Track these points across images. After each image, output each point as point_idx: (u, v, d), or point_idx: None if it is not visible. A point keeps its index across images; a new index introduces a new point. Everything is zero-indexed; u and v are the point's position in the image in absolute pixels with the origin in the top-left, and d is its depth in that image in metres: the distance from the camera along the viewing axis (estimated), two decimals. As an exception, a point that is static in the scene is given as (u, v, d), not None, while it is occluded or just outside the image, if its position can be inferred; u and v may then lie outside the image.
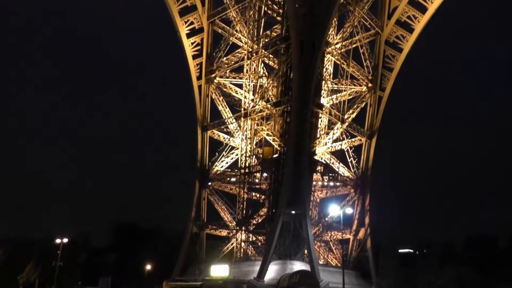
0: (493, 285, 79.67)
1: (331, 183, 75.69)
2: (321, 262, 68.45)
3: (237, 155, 74.75)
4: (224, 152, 75.95)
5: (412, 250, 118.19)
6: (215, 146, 77.28)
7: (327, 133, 73.57)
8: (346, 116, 73.72)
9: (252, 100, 72.20)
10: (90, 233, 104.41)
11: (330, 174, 74.99)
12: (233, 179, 75.71)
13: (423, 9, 76.65)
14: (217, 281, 63.43)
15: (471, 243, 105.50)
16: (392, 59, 79.22)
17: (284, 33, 70.60)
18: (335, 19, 73.64)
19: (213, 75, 76.74)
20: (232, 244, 72.88)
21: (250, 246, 71.36)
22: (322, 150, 74.09)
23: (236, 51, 76.18)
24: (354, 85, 76.86)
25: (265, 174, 72.20)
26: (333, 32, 74.81)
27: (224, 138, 76.84)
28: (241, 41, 76.04)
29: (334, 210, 70.28)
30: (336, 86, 74.38)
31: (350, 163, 76.13)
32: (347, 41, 74.77)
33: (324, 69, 73.69)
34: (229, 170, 76.51)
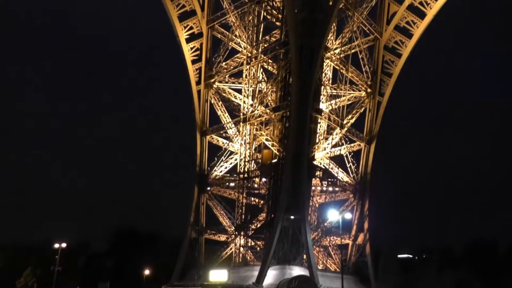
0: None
1: (330, 188, 75.61)
2: (320, 267, 68.30)
3: (236, 160, 74.75)
4: (223, 157, 75.99)
5: (411, 255, 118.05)
6: (214, 151, 77.36)
7: (326, 138, 73.55)
8: (345, 121, 73.72)
9: (251, 105, 72.26)
10: (89, 238, 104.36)
11: (329, 179, 74.94)
12: (232, 184, 75.71)
13: (422, 15, 76.85)
14: (216, 286, 63.39)
15: (470, 248, 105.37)
16: (391, 65, 79.32)
17: (283, 38, 70.82)
18: (334, 24, 73.77)
19: (212, 80, 76.87)
20: (231, 249, 72.81)
21: (249, 251, 71.24)
22: (321, 155, 74.08)
23: (235, 56, 76.33)
24: (353, 90, 76.93)
25: (264, 179, 72.09)
26: (332, 37, 74.95)
27: (223, 143, 76.87)
28: (240, 46, 76.18)
29: (333, 215, 70.18)
30: (335, 91, 74.41)
31: (349, 168, 76.05)
32: (346, 46, 74.88)
33: (323, 74, 73.73)
34: (228, 175, 76.50)
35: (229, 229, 74.50)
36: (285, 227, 63.16)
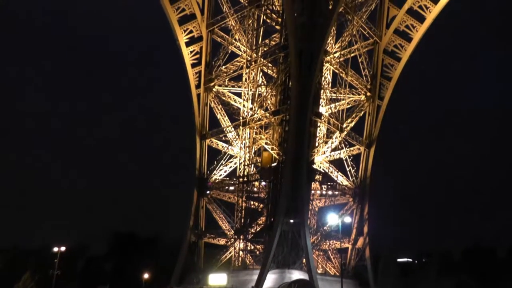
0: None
1: (330, 192, 75.55)
2: (319, 271, 68.20)
3: (235, 163, 74.70)
4: (222, 161, 75.97)
5: (411, 259, 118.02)
6: (213, 155, 77.37)
7: (326, 142, 73.50)
8: (344, 125, 73.74)
9: (251, 108, 72.26)
10: (88, 241, 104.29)
11: (329, 183, 74.84)
12: (231, 188, 75.66)
13: (421, 19, 76.99)
14: (215, 290, 63.28)
15: (470, 251, 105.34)
16: (390, 68, 79.42)
17: (283, 42, 70.82)
18: (333, 28, 73.82)
19: (212, 84, 76.97)
20: (230, 252, 72.68)
21: (248, 255, 71.07)
22: (321, 159, 74.04)
23: (235, 59, 76.40)
24: (353, 94, 76.97)
25: (263, 183, 72.04)
26: (331, 41, 75.00)
27: (222, 146, 76.89)
28: (240, 50, 76.25)
29: (333, 219, 70.12)
30: (335, 95, 74.45)
31: (348, 172, 76.07)
32: (345, 50, 74.99)
33: (323, 78, 73.77)
34: (228, 178, 76.46)
35: (228, 233, 74.42)
36: (284, 231, 63.06)
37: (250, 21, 73.62)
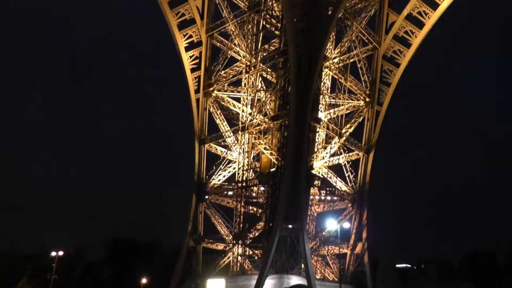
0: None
1: (329, 197, 75.42)
2: (318, 277, 68.06)
3: (234, 168, 74.62)
4: (221, 166, 75.88)
5: (409, 265, 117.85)
6: (212, 160, 77.27)
7: (325, 147, 73.51)
8: (343, 131, 73.73)
9: (250, 113, 72.26)
10: (86, 247, 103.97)
11: (328, 189, 74.77)
12: (230, 193, 75.50)
13: (420, 25, 77.17)
14: (213, 295, 63.06)
15: (469, 258, 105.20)
16: (389, 74, 79.49)
17: (282, 47, 70.85)
18: (333, 33, 74.00)
19: (211, 89, 76.97)
20: (228, 258, 72.46)
21: (247, 260, 70.87)
22: (320, 164, 74.00)
23: (234, 64, 76.46)
24: (352, 99, 77.01)
25: (262, 188, 71.93)
26: (331, 47, 75.16)
27: (221, 151, 76.79)
28: (239, 55, 76.33)
29: (332, 225, 70.00)
30: (334, 100, 74.54)
31: (347, 178, 75.99)
32: (344, 56, 75.16)
33: (322, 84, 73.87)
34: (226, 183, 76.36)
35: (227, 238, 74.23)
36: (283, 236, 62.89)
37: (250, 26, 73.74)
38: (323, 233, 71.75)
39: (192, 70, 77.88)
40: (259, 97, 73.11)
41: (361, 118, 77.93)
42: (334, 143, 73.02)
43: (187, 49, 77.60)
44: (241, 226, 71.60)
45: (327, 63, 72.77)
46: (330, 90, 76.05)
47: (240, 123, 73.33)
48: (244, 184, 72.03)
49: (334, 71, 73.92)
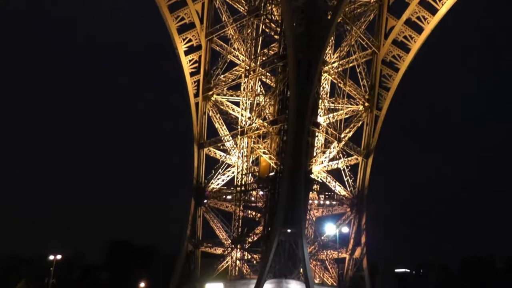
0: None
1: (327, 202, 75.33)
2: (316, 281, 67.94)
3: (233, 172, 74.55)
4: (220, 170, 75.78)
5: (408, 270, 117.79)
6: (211, 164, 77.22)
7: (324, 152, 73.50)
8: (342, 135, 73.73)
9: (249, 118, 72.27)
10: (84, 250, 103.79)
11: (326, 193, 74.73)
12: (229, 197, 75.47)
13: (419, 30, 77.37)
14: (212, 299, 62.94)
15: (468, 263, 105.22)
16: (388, 79, 79.59)
17: (281, 52, 70.94)
18: (332, 38, 74.14)
19: (210, 93, 76.96)
20: (227, 262, 72.34)
21: (245, 265, 70.81)
22: (319, 169, 73.98)
23: (234, 69, 76.50)
24: (351, 104, 77.07)
25: (261, 192, 71.89)
26: (330, 51, 75.26)
27: (220, 155, 76.75)
28: (238, 59, 76.38)
29: (330, 229, 70.00)
30: (333, 105, 74.55)
31: (346, 182, 75.94)
32: (344, 60, 75.28)
33: (321, 88, 73.94)
34: (225, 187, 76.29)
35: (225, 242, 74.10)
36: (282, 241, 62.80)
37: (249, 30, 73.83)
38: (322, 238, 71.69)
39: (191, 74, 77.84)
40: (258, 101, 73.16)
41: (360, 122, 77.97)
42: (333, 148, 73.05)
43: (187, 53, 77.63)
44: (239, 230, 71.53)
45: (326, 68, 72.87)
46: (329, 94, 76.17)
47: (239, 127, 73.32)
48: (243, 188, 71.99)
49: (333, 76, 74.01)
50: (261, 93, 74.34)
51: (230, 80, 76.27)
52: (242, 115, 73.67)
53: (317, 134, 72.08)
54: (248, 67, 73.00)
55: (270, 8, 73.68)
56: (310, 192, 70.94)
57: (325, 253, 72.98)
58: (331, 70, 73.76)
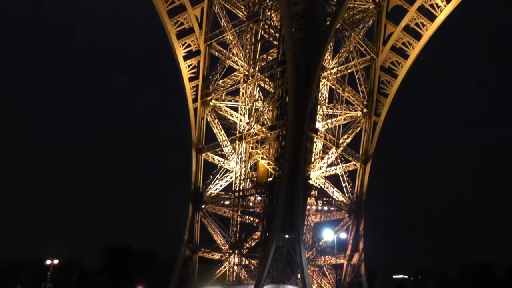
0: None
1: (325, 208, 75.30)
2: (314, 287, 67.80)
3: (231, 178, 74.54)
4: (218, 175, 75.83)
5: (406, 276, 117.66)
6: (209, 169, 77.22)
7: (322, 158, 73.48)
8: (341, 141, 73.76)
9: (248, 123, 72.28)
10: (82, 255, 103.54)
11: (325, 199, 74.70)
12: (227, 202, 75.45)
13: (418, 36, 77.62)
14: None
15: (466, 270, 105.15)
16: (387, 85, 79.76)
17: (280, 57, 71.00)
18: (331, 44, 74.29)
19: (209, 98, 77.07)
20: (224, 267, 72.23)
21: (243, 270, 70.62)
22: (317, 175, 73.97)
23: (232, 74, 76.56)
24: (349, 110, 77.18)
25: (259, 198, 71.84)
26: (328, 57, 75.37)
27: (218, 161, 76.78)
28: (237, 64, 76.49)
29: (328, 235, 69.97)
30: (331, 110, 74.59)
31: (344, 188, 76.00)
32: (342, 66, 75.31)
33: (320, 94, 74.04)
34: (223, 193, 76.30)
35: (223, 247, 74.03)
36: (280, 246, 62.70)
37: (248, 36, 73.92)
38: (320, 243, 71.64)
39: (190, 79, 77.98)
40: (256, 107, 73.20)
41: (359, 128, 78.08)
42: (332, 154, 73.09)
43: (185, 58, 77.77)
44: (237, 235, 71.43)
45: (325, 74, 72.98)
46: (327, 100, 76.20)
47: (237, 132, 73.31)
48: (241, 194, 71.93)
49: (331, 82, 74.10)
50: (259, 98, 74.41)
51: (228, 85, 76.34)
52: (240, 120, 73.71)
53: (315, 139, 72.11)
54: (246, 73, 73.05)
55: (269, 13, 73.84)
56: (308, 198, 70.93)
57: (323, 259, 72.87)
58: (329, 76, 73.87)
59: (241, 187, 72.00)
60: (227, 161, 75.69)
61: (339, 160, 74.07)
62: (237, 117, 75.03)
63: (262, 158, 70.31)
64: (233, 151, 74.34)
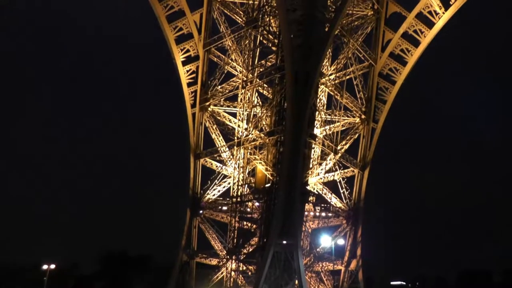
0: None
1: (323, 214, 75.35)
2: (312, 294, 67.75)
3: (229, 183, 74.47)
4: (216, 181, 75.78)
5: (404, 283, 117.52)
6: (207, 174, 77.16)
7: (320, 164, 73.51)
8: (339, 147, 73.83)
9: (246, 129, 72.33)
10: (79, 259, 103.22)
11: (322, 205, 74.73)
12: (224, 208, 75.36)
13: (416, 43, 77.87)
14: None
15: (464, 276, 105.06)
16: (385, 91, 79.93)
17: (279, 63, 71.08)
18: (329, 50, 74.43)
19: (207, 103, 77.14)
20: (222, 273, 72.07)
21: (241, 276, 70.45)
22: (315, 181, 73.96)
23: (231, 79, 76.66)
24: (348, 116, 77.29)
25: (257, 203, 71.75)
26: (327, 63, 75.53)
27: (216, 166, 76.75)
28: (236, 70, 76.59)
29: (326, 241, 69.93)
30: (330, 117, 74.69)
31: (342, 194, 76.00)
32: (341, 73, 75.43)
33: (318, 100, 74.09)
34: (221, 198, 76.19)
35: (220, 253, 73.93)
36: (277, 252, 62.63)
37: (247, 41, 74.08)
38: (318, 249, 71.57)
39: (189, 85, 78.08)
40: (255, 113, 73.25)
41: (357, 135, 78.19)
42: (330, 160, 73.13)
43: (184, 63, 77.89)
44: (235, 241, 71.31)
45: (323, 80, 73.05)
46: (326, 106, 76.35)
47: (235, 138, 73.32)
48: (239, 199, 71.86)
49: (330, 88, 74.21)
50: (258, 104, 74.47)
51: (227, 91, 76.44)
52: (238, 126, 73.74)
53: (313, 146, 72.07)
54: (245, 78, 73.16)
55: (268, 19, 73.98)
56: (306, 204, 70.84)
57: (321, 265, 72.82)
58: (328, 82, 73.96)
59: (239, 193, 71.96)
60: (225, 166, 75.68)
61: (337, 166, 74.15)
62: (235, 123, 75.07)
63: (260, 163, 70.28)
64: (231, 156, 74.35)
